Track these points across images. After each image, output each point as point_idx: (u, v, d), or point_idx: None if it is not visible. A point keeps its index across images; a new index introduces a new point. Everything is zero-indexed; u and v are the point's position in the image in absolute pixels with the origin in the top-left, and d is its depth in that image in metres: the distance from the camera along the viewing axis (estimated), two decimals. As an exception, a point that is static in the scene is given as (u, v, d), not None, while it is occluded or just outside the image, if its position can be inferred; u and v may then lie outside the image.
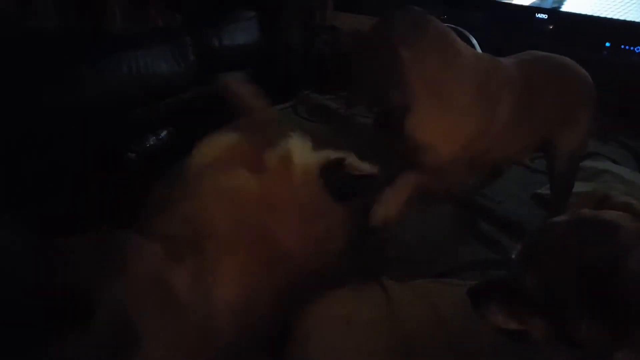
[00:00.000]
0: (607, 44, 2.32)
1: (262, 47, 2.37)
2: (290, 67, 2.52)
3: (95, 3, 1.75)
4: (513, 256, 0.69)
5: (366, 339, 0.89)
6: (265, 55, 2.40)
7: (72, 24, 1.71)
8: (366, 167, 1.10)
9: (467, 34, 1.81)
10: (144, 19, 1.94)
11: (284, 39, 2.50)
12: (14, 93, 1.45)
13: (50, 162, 1.53)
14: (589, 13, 2.34)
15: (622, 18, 2.28)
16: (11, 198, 1.38)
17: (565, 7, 2.40)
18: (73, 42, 1.66)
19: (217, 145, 1.10)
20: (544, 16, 2.43)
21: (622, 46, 2.29)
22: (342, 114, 2.16)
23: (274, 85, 2.43)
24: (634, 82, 2.17)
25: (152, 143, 1.71)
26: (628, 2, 2.24)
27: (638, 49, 2.25)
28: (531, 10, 2.47)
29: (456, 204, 1.53)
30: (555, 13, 2.43)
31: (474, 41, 1.79)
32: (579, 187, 1.57)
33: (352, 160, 1.10)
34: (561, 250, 0.63)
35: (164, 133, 1.75)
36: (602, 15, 2.31)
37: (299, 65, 2.55)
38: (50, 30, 1.66)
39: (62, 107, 1.56)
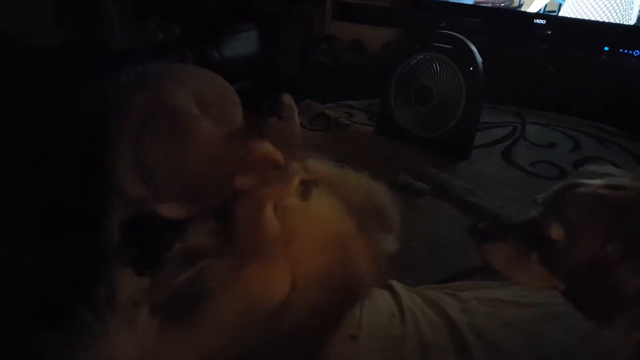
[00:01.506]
0: (606, 48, 2.33)
1: (262, 58, 2.38)
2: (290, 77, 2.53)
3: (94, 19, 1.77)
4: (537, 203, 0.69)
5: (379, 348, 0.89)
6: (265, 66, 2.41)
7: (73, 41, 1.72)
8: None
9: (466, 40, 1.82)
10: (144, 33, 1.96)
11: (284, 49, 2.52)
12: (15, 111, 1.46)
13: (50, 179, 1.54)
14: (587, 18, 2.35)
15: (619, 22, 2.29)
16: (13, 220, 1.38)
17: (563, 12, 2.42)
18: (73, 58, 1.67)
19: None
20: (542, 21, 2.44)
21: (621, 50, 2.30)
22: (342, 122, 2.17)
23: (274, 95, 2.45)
24: (632, 86, 2.18)
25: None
26: (626, 6, 2.26)
27: (636, 53, 2.26)
28: (529, 15, 2.48)
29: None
30: (553, 18, 2.44)
31: (473, 48, 1.80)
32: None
33: None
34: (598, 210, 0.63)
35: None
36: (600, 19, 2.32)
37: (299, 75, 2.57)
38: (50, 48, 1.67)
39: (63, 124, 1.57)
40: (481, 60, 1.79)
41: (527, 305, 1.00)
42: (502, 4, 2.57)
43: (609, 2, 2.28)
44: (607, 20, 2.30)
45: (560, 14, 2.42)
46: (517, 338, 0.92)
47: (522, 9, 2.51)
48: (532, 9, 2.48)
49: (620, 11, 2.27)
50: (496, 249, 0.71)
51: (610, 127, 2.20)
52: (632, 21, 2.26)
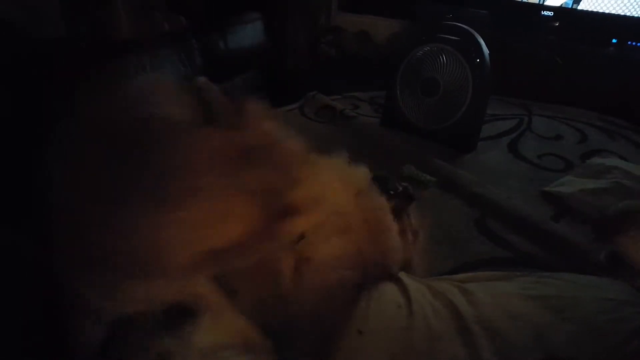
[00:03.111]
0: (614, 40, 2.31)
1: (268, 49, 2.37)
2: (296, 68, 2.53)
3: (101, 9, 1.76)
4: None
5: (387, 340, 0.89)
6: (271, 57, 2.41)
7: (79, 31, 1.72)
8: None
9: (473, 32, 1.80)
10: (150, 24, 1.96)
11: (290, 40, 2.51)
12: (21, 101, 1.46)
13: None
14: (596, 10, 2.33)
15: (629, 14, 2.27)
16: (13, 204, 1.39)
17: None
18: (80, 48, 1.67)
19: None
20: (550, 13, 2.42)
21: (629, 42, 2.28)
22: (348, 114, 2.17)
23: (280, 86, 2.45)
24: (641, 78, 2.16)
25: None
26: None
27: (645, 45, 2.24)
28: (537, 7, 2.46)
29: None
30: (561, 10, 2.42)
31: (480, 39, 1.78)
32: (589, 184, 1.57)
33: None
34: None
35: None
36: (609, 11, 2.30)
37: (305, 67, 2.56)
38: (57, 38, 1.67)
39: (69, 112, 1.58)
40: (488, 52, 1.78)
41: (534, 298, 1.00)
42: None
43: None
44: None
45: (580, 7, 2.38)
46: (523, 330, 0.91)
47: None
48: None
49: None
50: (631, 240, 0.68)
51: (618, 120, 2.19)
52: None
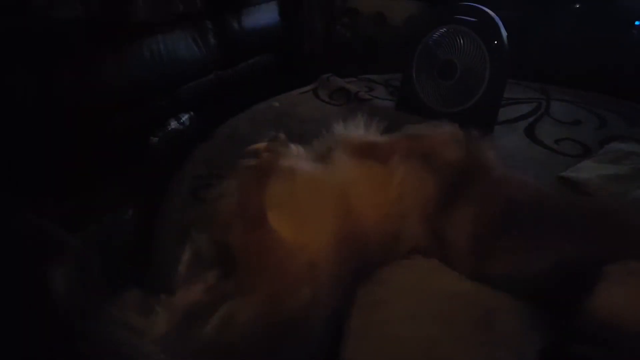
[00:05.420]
0: (637, 23, 2.25)
1: (283, 31, 2.36)
2: (311, 50, 2.51)
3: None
4: None
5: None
6: (286, 38, 2.39)
7: (96, 12, 1.73)
8: None
9: (491, 13, 1.77)
10: (166, 4, 1.95)
11: (305, 22, 2.49)
12: (38, 80, 1.48)
13: (72, 148, 1.56)
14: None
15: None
16: (34, 184, 1.41)
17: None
18: (96, 29, 1.68)
19: None
20: (571, -6, 2.36)
21: (654, 25, 2.23)
22: (363, 97, 2.15)
23: (294, 69, 2.44)
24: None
25: (173, 127, 1.73)
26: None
27: (670, 27, 2.18)
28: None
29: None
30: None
31: (498, 21, 1.75)
32: (607, 169, 1.54)
33: None
34: None
35: (185, 117, 1.77)
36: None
37: (320, 49, 2.54)
38: (74, 18, 1.68)
39: (85, 93, 1.59)
40: (506, 34, 1.75)
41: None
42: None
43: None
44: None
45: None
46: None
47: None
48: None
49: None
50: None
51: (639, 105, 2.14)
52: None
